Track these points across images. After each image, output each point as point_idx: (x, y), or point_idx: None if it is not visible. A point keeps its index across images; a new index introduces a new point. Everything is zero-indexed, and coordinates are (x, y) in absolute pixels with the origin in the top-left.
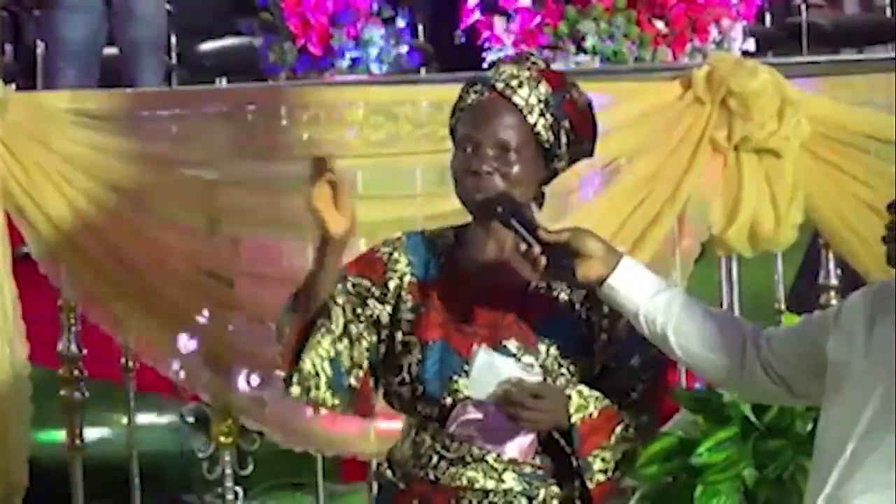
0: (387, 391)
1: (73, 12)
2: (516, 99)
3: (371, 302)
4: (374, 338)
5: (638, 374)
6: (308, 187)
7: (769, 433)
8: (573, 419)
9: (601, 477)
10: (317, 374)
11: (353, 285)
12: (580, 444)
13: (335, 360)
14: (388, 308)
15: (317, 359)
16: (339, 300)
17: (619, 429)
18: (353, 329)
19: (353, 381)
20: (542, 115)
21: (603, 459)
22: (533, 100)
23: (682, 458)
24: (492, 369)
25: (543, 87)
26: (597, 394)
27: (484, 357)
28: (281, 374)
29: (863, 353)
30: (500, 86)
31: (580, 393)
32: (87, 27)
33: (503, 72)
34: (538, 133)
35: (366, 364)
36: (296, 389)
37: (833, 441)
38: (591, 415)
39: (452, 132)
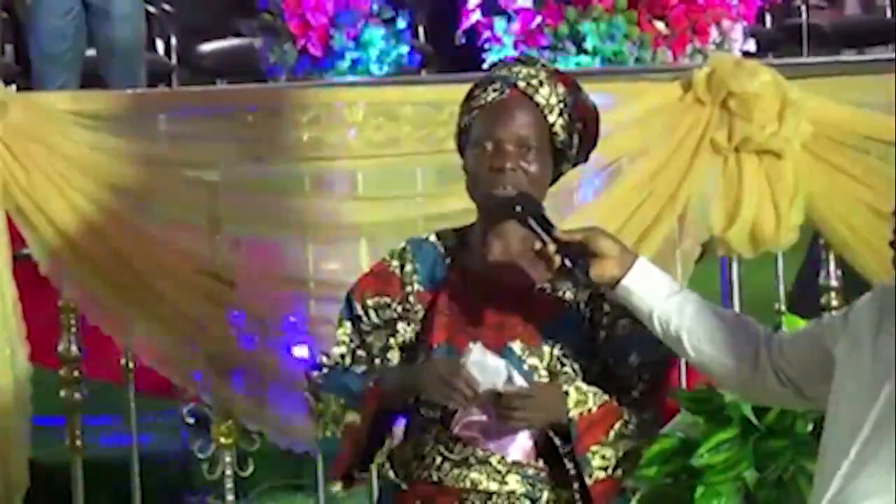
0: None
1: (51, 14)
2: (538, 98)
3: (400, 325)
4: (399, 359)
5: (638, 373)
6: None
7: (770, 434)
8: (572, 413)
9: (601, 474)
10: None
11: (376, 312)
12: (578, 439)
13: None
14: (413, 326)
15: None
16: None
17: (617, 425)
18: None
19: None
20: (560, 114)
21: (603, 457)
22: (553, 100)
23: (682, 460)
24: (484, 368)
25: (561, 88)
26: (595, 389)
27: (478, 355)
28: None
29: (870, 355)
30: (522, 84)
31: (578, 388)
32: (66, 29)
33: (520, 71)
34: (555, 133)
35: None
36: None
37: (838, 443)
38: (589, 409)
39: (463, 131)
